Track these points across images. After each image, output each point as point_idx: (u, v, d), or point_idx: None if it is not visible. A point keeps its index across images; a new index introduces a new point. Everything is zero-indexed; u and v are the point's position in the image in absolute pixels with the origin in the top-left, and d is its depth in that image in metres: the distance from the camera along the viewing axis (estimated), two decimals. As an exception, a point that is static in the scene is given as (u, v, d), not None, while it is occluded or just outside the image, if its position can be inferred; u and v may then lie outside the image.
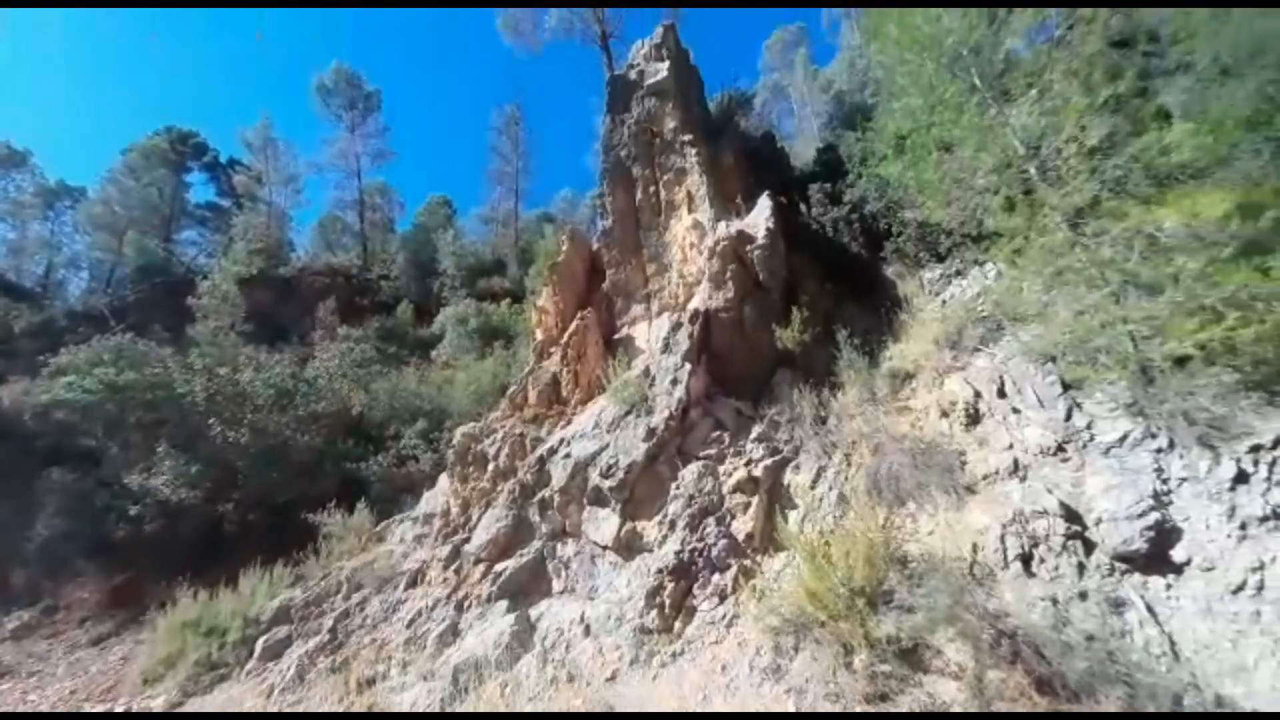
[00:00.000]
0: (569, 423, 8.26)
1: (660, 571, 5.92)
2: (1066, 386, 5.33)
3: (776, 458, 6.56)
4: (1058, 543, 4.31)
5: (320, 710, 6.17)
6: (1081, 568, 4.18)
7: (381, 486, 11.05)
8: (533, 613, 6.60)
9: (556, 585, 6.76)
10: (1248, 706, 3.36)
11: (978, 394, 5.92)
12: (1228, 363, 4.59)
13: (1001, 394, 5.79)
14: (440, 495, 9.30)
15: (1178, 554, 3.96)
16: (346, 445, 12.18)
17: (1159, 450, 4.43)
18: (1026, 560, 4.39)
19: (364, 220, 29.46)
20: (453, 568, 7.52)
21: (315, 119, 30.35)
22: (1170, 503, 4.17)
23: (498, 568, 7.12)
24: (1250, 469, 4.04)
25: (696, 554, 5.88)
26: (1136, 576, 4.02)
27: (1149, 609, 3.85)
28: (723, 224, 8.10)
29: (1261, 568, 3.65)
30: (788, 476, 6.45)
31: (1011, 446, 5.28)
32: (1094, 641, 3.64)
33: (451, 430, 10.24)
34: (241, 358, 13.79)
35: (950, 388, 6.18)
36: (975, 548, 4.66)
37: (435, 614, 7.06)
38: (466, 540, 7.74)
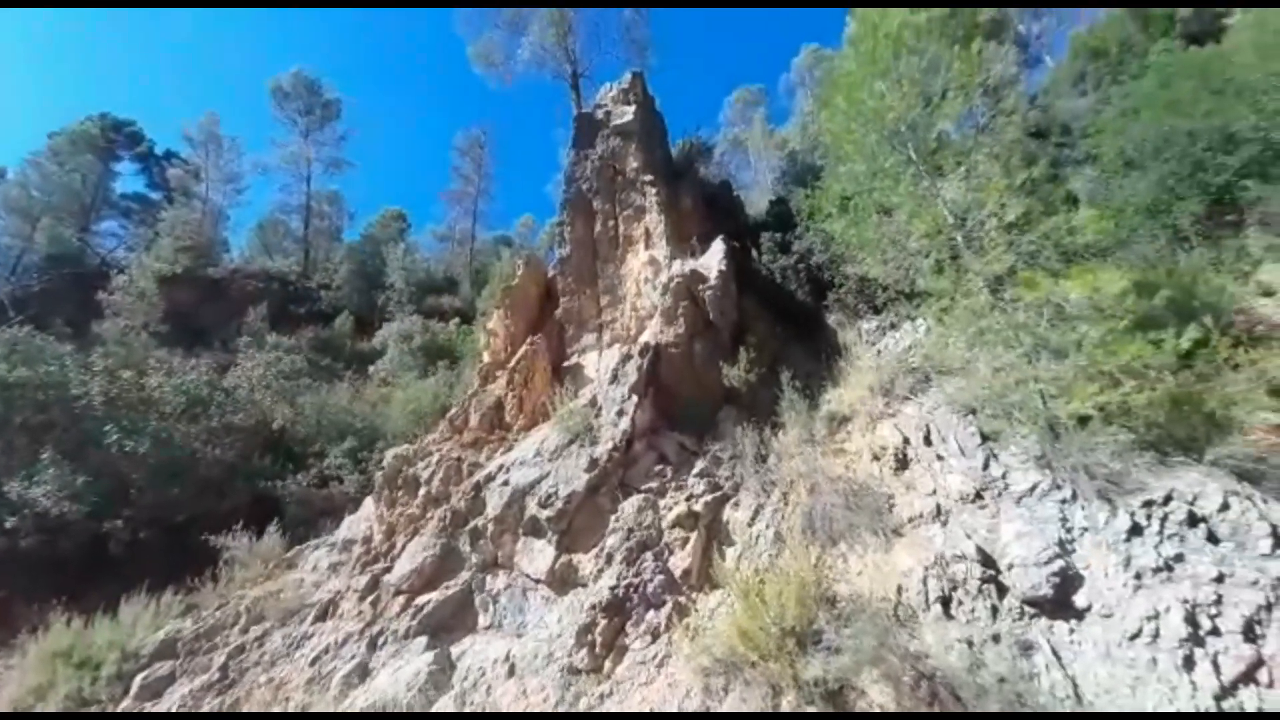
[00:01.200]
0: (510, 449, 8.03)
1: (594, 607, 5.73)
2: (985, 437, 5.70)
3: (717, 494, 6.60)
4: (974, 586, 4.52)
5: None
6: (995, 611, 4.38)
7: (298, 508, 10.25)
8: (454, 650, 6.20)
9: (483, 620, 6.41)
10: None
11: (907, 440, 6.23)
12: (1124, 424, 5.07)
13: (928, 441, 6.11)
14: (363, 521, 8.72)
15: (1080, 600, 4.23)
16: (263, 462, 11.28)
17: (1064, 501, 4.79)
18: (946, 603, 4.56)
19: (309, 226, 28.27)
20: (369, 600, 6.99)
21: (268, 121, 29.29)
22: (1073, 551, 4.48)
23: (420, 600, 6.68)
24: (1144, 522, 4.42)
25: (632, 589, 5.75)
26: (1044, 621, 4.26)
27: (1054, 653, 4.07)
28: (678, 262, 8.33)
29: (1156, 616, 3.95)
30: (727, 513, 6.48)
31: (935, 492, 5.55)
32: (1005, 684, 3.80)
33: (383, 451, 9.71)
34: (152, 361, 12.64)
35: (882, 433, 6.47)
36: (900, 589, 4.81)
37: (344, 651, 6.51)
38: (388, 570, 7.24)
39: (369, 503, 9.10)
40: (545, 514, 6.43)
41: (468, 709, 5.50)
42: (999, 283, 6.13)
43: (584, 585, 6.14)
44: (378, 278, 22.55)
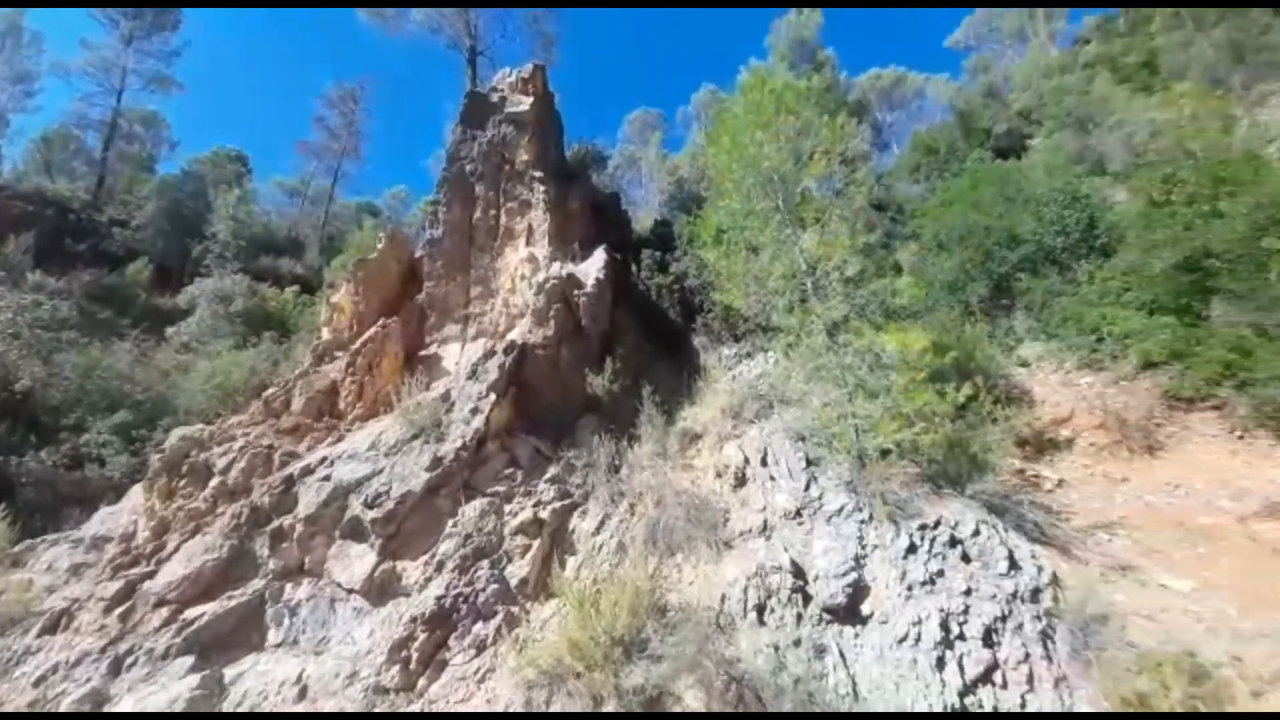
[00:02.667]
0: (340, 440, 7.15)
1: (415, 619, 5.27)
2: (810, 462, 6.36)
3: (566, 501, 6.51)
4: (786, 595, 4.97)
5: None
6: (800, 618, 4.86)
7: (37, 492, 8.10)
8: (229, 672, 5.28)
9: (274, 636, 5.55)
10: None
11: (747, 460, 6.73)
12: (913, 459, 6.00)
13: (764, 463, 6.66)
14: (126, 514, 7.14)
15: (865, 608, 4.86)
16: (-7, 429, 8.76)
17: (863, 521, 5.50)
18: (761, 610, 4.95)
19: (110, 148, 23.00)
20: (119, 611, 5.70)
21: (84, 19, 23.38)
22: (865, 565, 5.15)
23: (191, 613, 5.59)
24: (918, 542, 5.22)
25: (462, 600, 5.39)
26: (836, 626, 4.82)
27: (841, 655, 4.61)
28: (558, 264, 8.20)
29: (920, 623, 4.67)
30: (574, 521, 6.42)
31: (765, 508, 6.04)
32: (800, 684, 4.20)
33: (167, 430, 8.08)
34: None
35: (727, 452, 6.92)
36: (723, 598, 5.12)
37: (77, 672, 5.20)
38: (151, 575, 5.98)
39: (136, 492, 7.49)
40: (371, 515, 5.80)
41: (242, 738, 4.69)
42: (835, 328, 6.94)
43: (406, 595, 5.63)
44: (196, 224, 18.97)
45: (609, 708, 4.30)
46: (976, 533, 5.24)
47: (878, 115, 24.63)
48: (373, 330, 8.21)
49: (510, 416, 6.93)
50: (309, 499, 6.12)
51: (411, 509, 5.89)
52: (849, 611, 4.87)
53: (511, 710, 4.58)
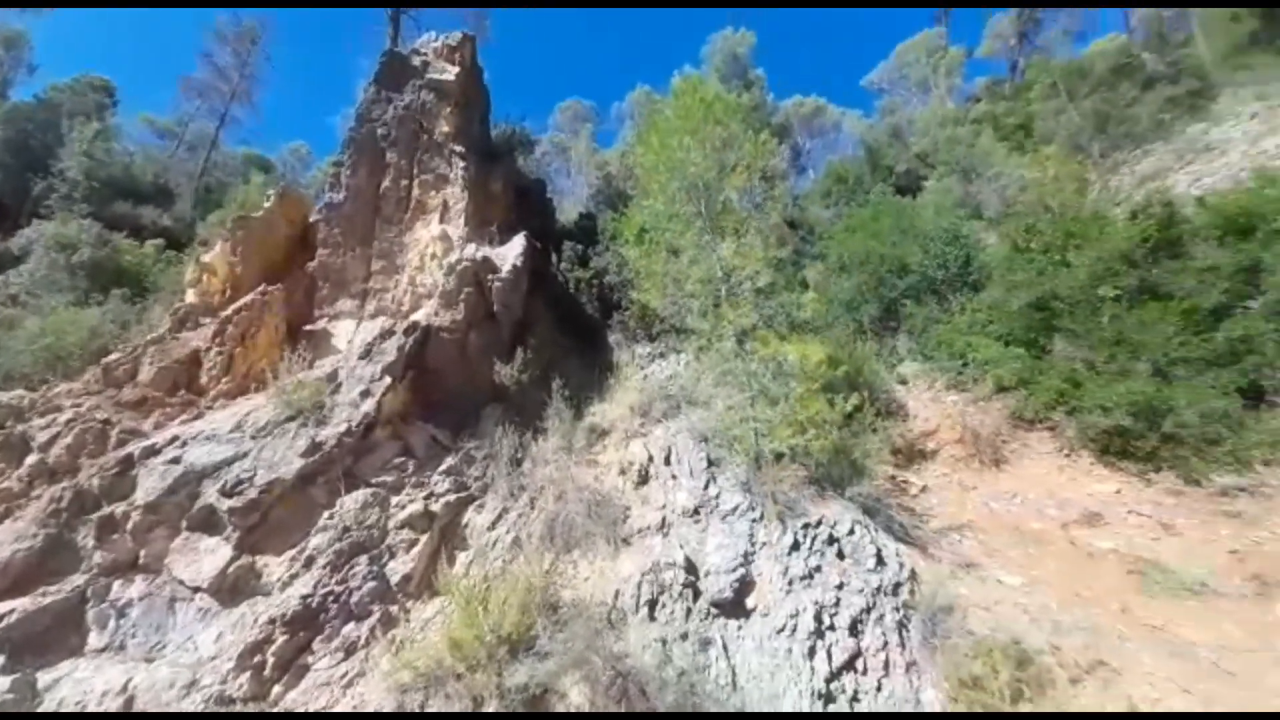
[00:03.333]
0: (197, 418, 6.33)
1: (274, 621, 4.79)
2: (711, 463, 6.57)
3: (462, 494, 6.24)
4: (677, 590, 5.09)
5: None
6: (689, 612, 5.00)
7: None
8: (44, 677, 4.51)
9: (96, 640, 4.80)
10: None
11: (651, 458, 6.82)
12: (803, 462, 6.39)
13: (668, 461, 6.79)
14: (-87, 490, 5.84)
15: (750, 601, 5.10)
16: None
17: (754, 520, 5.77)
18: (653, 605, 5.03)
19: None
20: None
21: None
22: (753, 561, 5.40)
23: (-3, 609, 4.70)
24: (801, 540, 5.57)
25: (332, 599, 4.97)
26: (722, 620, 5.01)
27: (725, 647, 4.81)
28: (473, 246, 7.83)
29: (797, 614, 4.97)
30: (468, 515, 6.16)
31: (665, 506, 6.16)
32: (684, 676, 4.32)
33: (-21, 394, 6.73)
34: None
35: (633, 449, 6.97)
36: (617, 594, 5.14)
37: None
38: (-57, 565, 4.95)
39: (-68, 465, 6.15)
40: (230, 504, 5.18)
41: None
42: (744, 335, 7.23)
43: (266, 594, 5.10)
44: (43, 158, 16.05)
45: (489, 709, 4.16)
46: (851, 532, 5.68)
47: (798, 140, 26.13)
48: (250, 297, 7.36)
49: (406, 402, 6.51)
50: (151, 484, 5.35)
51: (279, 499, 5.34)
52: (735, 605, 5.08)
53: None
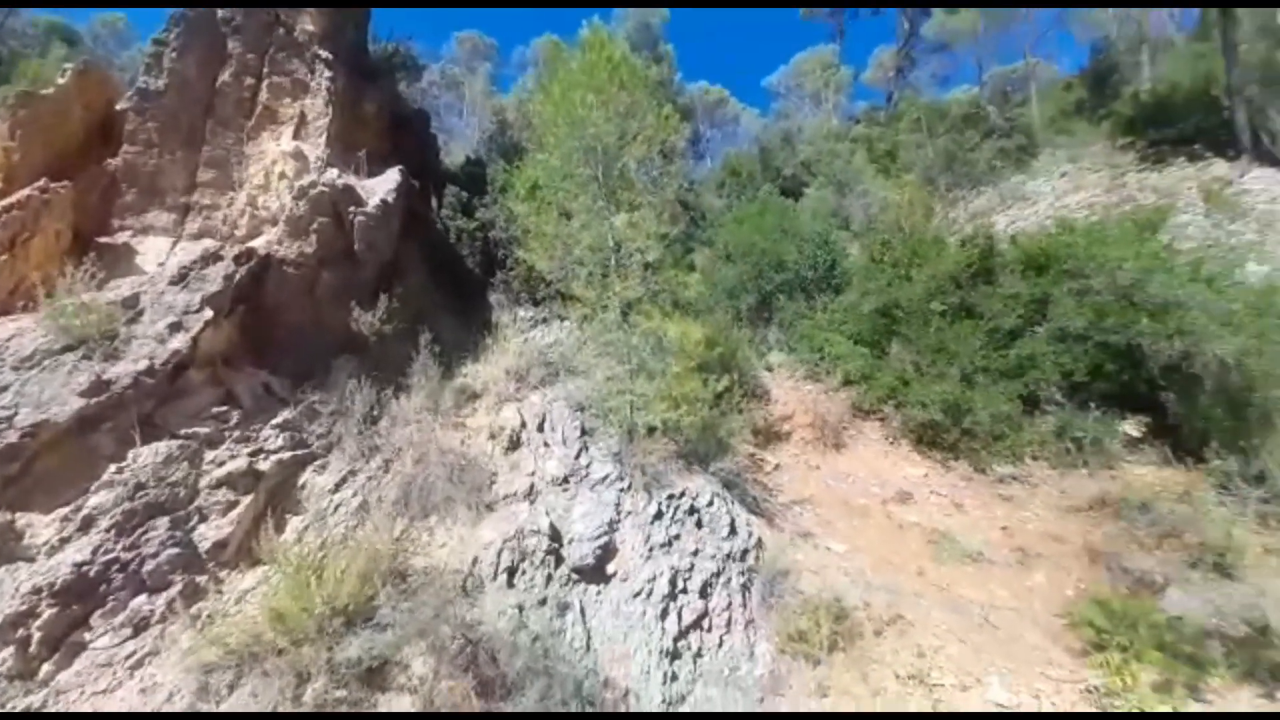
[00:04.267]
0: (-70, 335, 4.81)
1: (39, 591, 3.89)
2: (585, 432, 6.53)
3: (300, 452, 5.52)
4: (540, 557, 5.01)
5: None
6: (550, 578, 4.96)
7: None
8: None
9: None
10: (624, 685, 4.51)
11: (524, 424, 6.60)
12: (674, 437, 6.60)
13: (541, 428, 6.62)
14: None
15: (611, 568, 5.20)
16: None
17: (622, 490, 5.86)
18: (513, 572, 4.90)
19: None
20: None
21: None
22: (618, 529, 5.50)
23: None
24: (665, 510, 5.77)
25: (118, 567, 4.13)
26: (583, 585, 5.05)
27: (582, 611, 4.85)
28: (335, 171, 6.83)
29: (654, 579, 5.16)
30: (306, 476, 5.48)
31: (534, 473, 6.01)
32: (537, 642, 4.27)
33: None
34: None
35: (506, 414, 6.68)
36: (476, 561, 4.93)
37: None
38: None
39: None
40: (-25, 446, 4.04)
41: None
42: (629, 308, 7.23)
43: (29, 560, 4.11)
44: None
45: (317, 685, 3.76)
46: (711, 503, 6.01)
47: (699, 126, 26.72)
48: (27, 193, 5.74)
49: (233, 342, 5.56)
50: None
51: (48, 445, 4.27)
52: (596, 571, 5.13)
53: (177, 699, 3.68)
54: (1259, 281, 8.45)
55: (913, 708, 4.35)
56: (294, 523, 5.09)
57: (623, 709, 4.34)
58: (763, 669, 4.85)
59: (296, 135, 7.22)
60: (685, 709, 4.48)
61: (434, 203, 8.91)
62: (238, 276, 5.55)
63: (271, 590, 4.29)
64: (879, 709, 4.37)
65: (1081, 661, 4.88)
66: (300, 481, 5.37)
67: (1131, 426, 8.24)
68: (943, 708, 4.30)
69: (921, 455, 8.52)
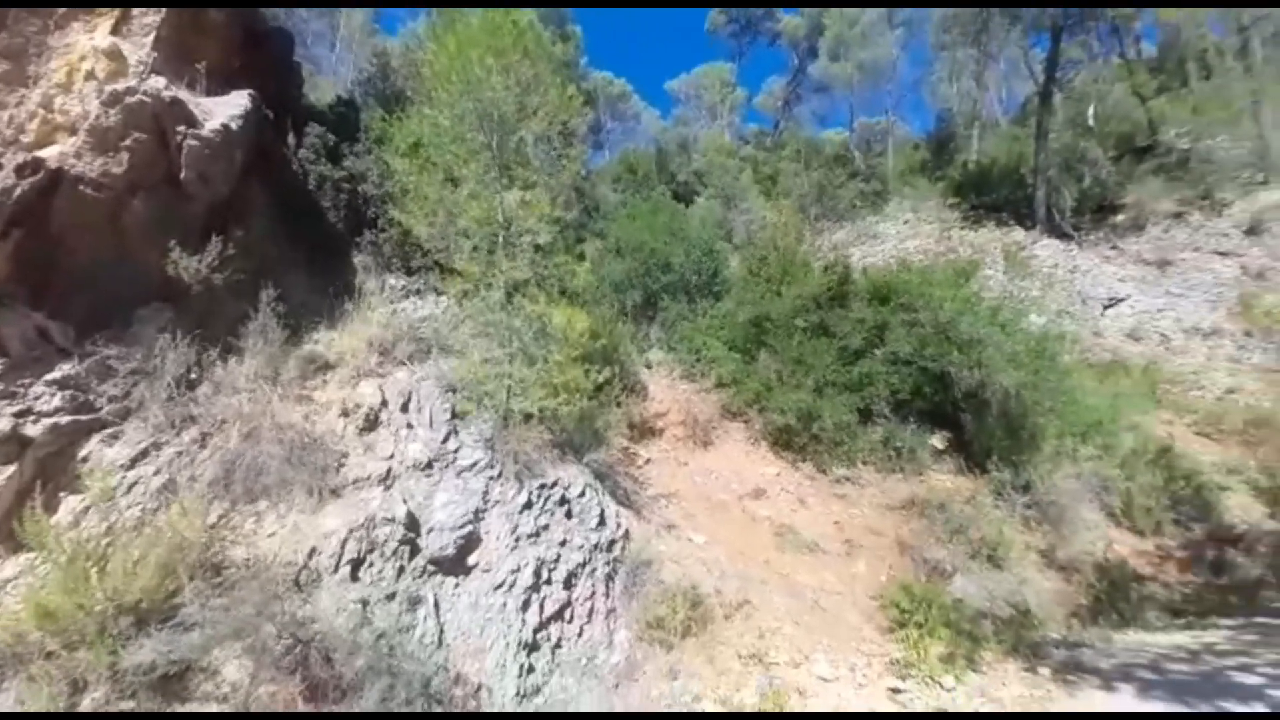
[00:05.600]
0: None
1: None
2: (455, 415, 6.12)
3: (85, 416, 4.47)
4: (392, 548, 4.59)
5: None
6: (402, 571, 4.56)
7: None
8: None
9: None
10: (477, 681, 4.30)
11: (385, 403, 6.00)
12: (550, 426, 6.47)
13: (405, 409, 6.07)
14: None
15: (473, 559, 4.93)
16: None
17: (492, 478, 5.59)
18: (358, 564, 4.43)
19: None
20: None
21: None
22: (483, 519, 5.23)
23: None
24: (535, 500, 5.62)
25: None
26: (439, 578, 4.72)
27: (436, 605, 4.54)
28: (162, 80, 5.61)
29: (518, 570, 5.00)
30: (92, 446, 4.46)
31: (393, 457, 5.49)
32: (382, 639, 3.90)
33: None
34: None
35: (363, 390, 6.02)
36: (313, 552, 4.37)
37: None
38: None
39: None
40: None
41: None
42: (515, 289, 6.94)
43: None
44: None
45: (94, 695, 3.08)
46: (583, 494, 5.99)
47: (601, 116, 26.60)
48: None
49: (7, 272, 4.33)
50: None
51: None
52: (456, 562, 4.84)
53: None
54: (1038, 330, 10.50)
55: (752, 684, 4.73)
56: (71, 502, 4.11)
57: (472, 706, 4.14)
58: (620, 656, 4.94)
59: (116, 31, 5.80)
60: (539, 701, 4.40)
61: (292, 141, 7.74)
62: (17, 192, 4.32)
63: (38, 582, 3.44)
64: (723, 688, 4.69)
65: (889, 637, 5.68)
66: (83, 452, 4.35)
67: (938, 440, 9.80)
68: (776, 683, 4.73)
69: (776, 456, 9.33)
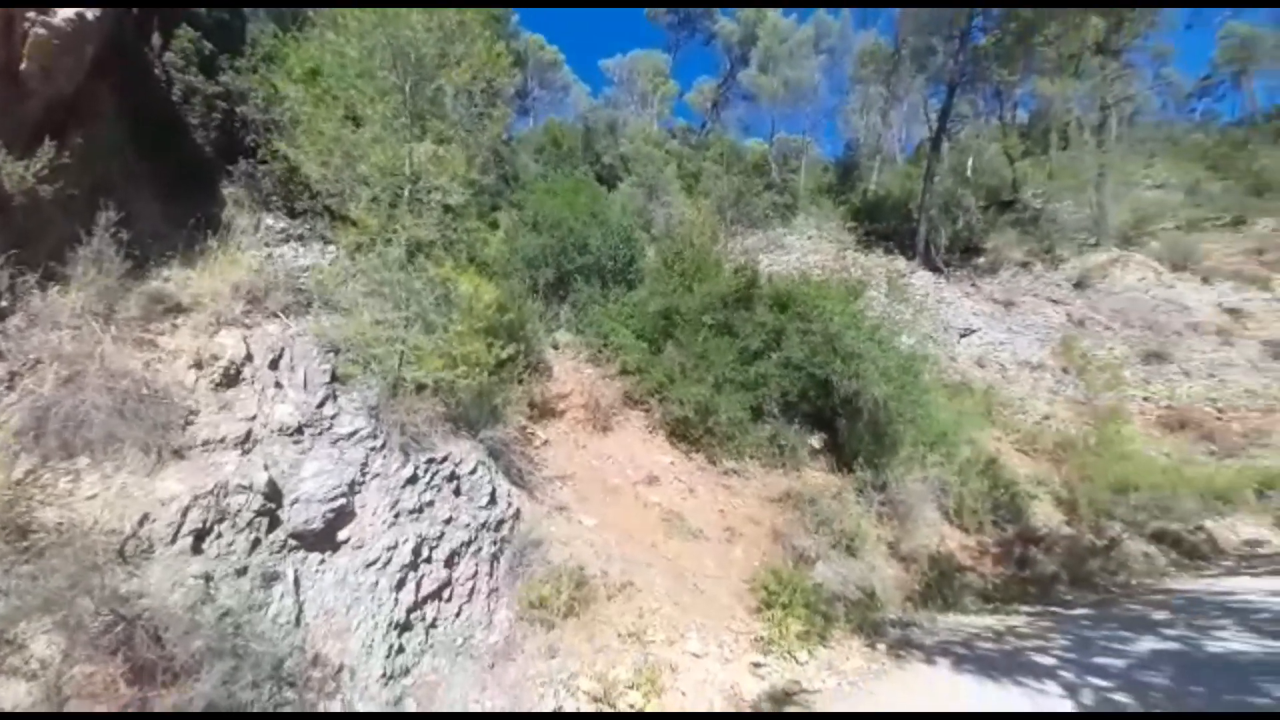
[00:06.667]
0: None
1: None
2: (336, 379, 5.61)
3: None
4: (246, 519, 4.12)
5: None
6: (256, 544, 4.12)
7: None
8: None
9: None
10: (339, 661, 4.00)
11: (250, 357, 5.35)
12: (445, 399, 6.14)
13: (275, 366, 5.46)
14: None
15: (343, 534, 4.57)
16: None
17: (373, 449, 5.20)
18: (202, 536, 3.93)
19: None
20: None
21: None
22: (359, 492, 4.86)
23: None
24: (421, 474, 5.32)
25: None
26: (301, 553, 4.32)
27: (296, 582, 4.15)
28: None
29: (395, 547, 4.71)
30: None
31: (255, 418, 4.91)
32: (227, 618, 3.50)
33: None
34: None
35: (223, 340, 5.31)
36: (146, 519, 3.80)
37: None
38: None
39: None
40: None
41: None
42: (418, 250, 6.48)
43: None
44: None
45: None
46: (474, 471, 5.77)
47: (529, 82, 25.53)
48: None
49: None
50: None
51: None
52: (322, 537, 4.46)
53: None
54: (907, 349, 11.75)
55: (628, 661, 4.87)
56: None
57: (331, 688, 3.86)
58: (498, 636, 4.85)
59: None
60: (407, 682, 4.20)
61: (155, 42, 6.57)
62: None
63: None
64: (599, 665, 4.78)
65: (756, 617, 6.12)
66: None
67: (816, 440, 10.67)
68: (651, 660, 4.92)
69: (672, 445, 9.62)
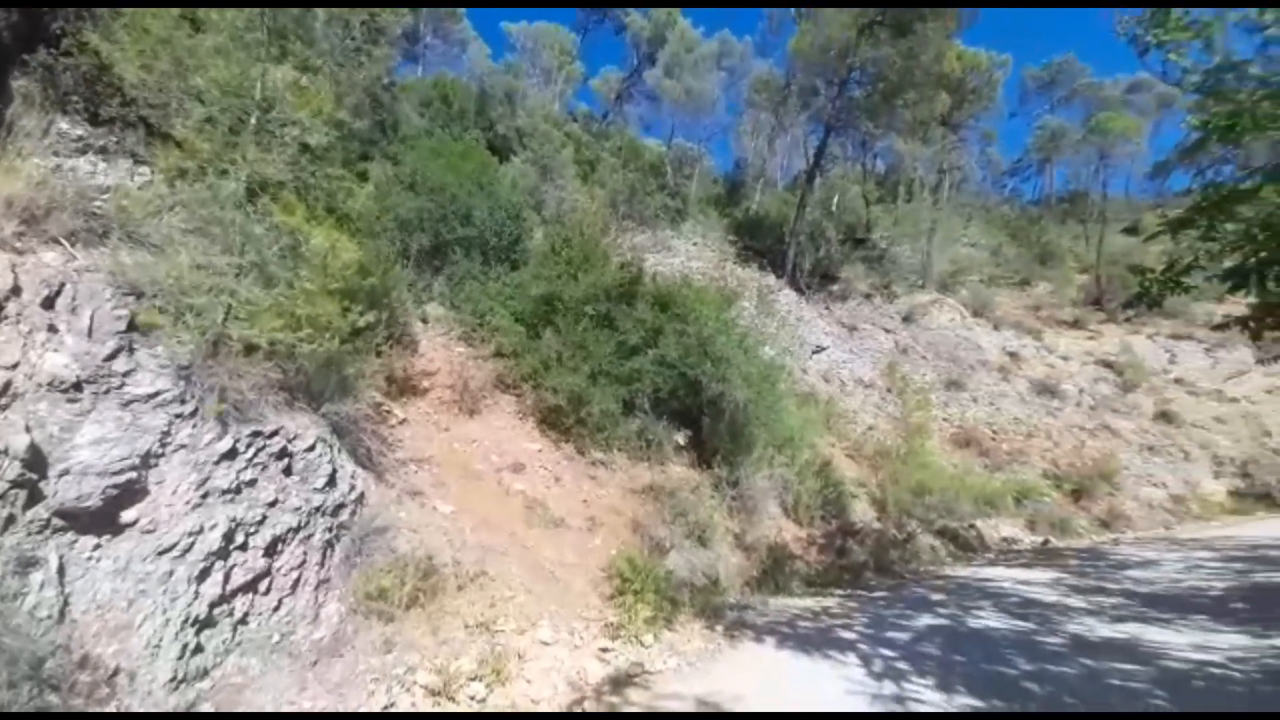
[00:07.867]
0: None
1: None
2: (134, 328, 4.64)
3: None
4: (-10, 491, 3.24)
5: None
6: (11, 522, 3.26)
7: None
8: None
9: None
10: (114, 664, 3.31)
11: (18, 290, 4.24)
12: (281, 364, 5.38)
13: (50, 305, 4.38)
14: None
15: (129, 515, 3.79)
16: None
17: (180, 416, 4.38)
18: (-91, 512, 3.01)
19: None
20: None
21: None
22: (156, 465, 4.07)
23: None
24: (242, 449, 4.60)
25: None
26: (70, 535, 3.52)
27: (60, 570, 3.36)
28: None
29: (200, 532, 4.01)
30: None
31: (18, 367, 3.89)
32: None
33: None
34: None
35: (-26, 265, 4.14)
36: None
37: None
38: None
39: None
40: None
41: None
42: (263, 188, 5.62)
43: None
44: None
45: None
46: (312, 448, 5.15)
47: (422, 29, 23.37)
48: None
49: None
50: None
51: None
52: (100, 518, 3.67)
53: None
54: (768, 359, 12.79)
55: (474, 652, 4.69)
56: None
57: (104, 693, 3.19)
58: (325, 631, 4.38)
59: None
60: (204, 685, 3.61)
61: None
62: None
63: None
64: (441, 658, 4.53)
65: (609, 604, 6.25)
66: None
67: (680, 437, 11.19)
68: (499, 649, 4.79)
69: (542, 433, 9.46)
